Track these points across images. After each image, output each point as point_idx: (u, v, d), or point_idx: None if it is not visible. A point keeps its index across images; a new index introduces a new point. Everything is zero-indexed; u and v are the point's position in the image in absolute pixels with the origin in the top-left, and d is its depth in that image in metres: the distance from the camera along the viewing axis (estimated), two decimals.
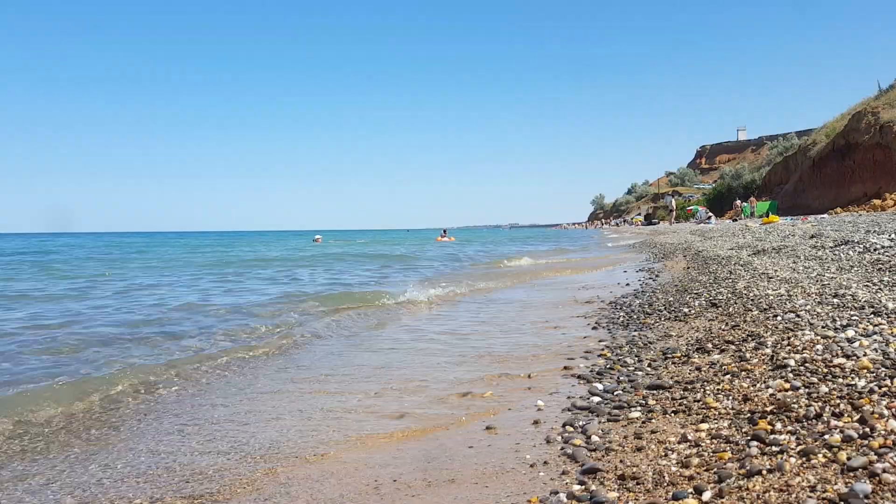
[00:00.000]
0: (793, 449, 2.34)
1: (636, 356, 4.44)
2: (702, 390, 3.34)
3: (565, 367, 4.46)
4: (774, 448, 2.38)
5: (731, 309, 5.51)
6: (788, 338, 3.93)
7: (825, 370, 3.16)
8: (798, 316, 4.58)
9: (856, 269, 6.90)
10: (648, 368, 4.06)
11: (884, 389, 2.70)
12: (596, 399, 3.55)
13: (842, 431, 2.36)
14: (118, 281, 14.01)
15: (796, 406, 2.72)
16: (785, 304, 5.18)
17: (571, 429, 3.10)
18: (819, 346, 3.58)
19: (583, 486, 2.40)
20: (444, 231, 42.82)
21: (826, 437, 2.36)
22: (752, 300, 5.69)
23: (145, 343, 6.08)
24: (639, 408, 3.26)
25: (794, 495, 2.01)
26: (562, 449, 2.85)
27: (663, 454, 2.59)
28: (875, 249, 8.19)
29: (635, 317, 6.17)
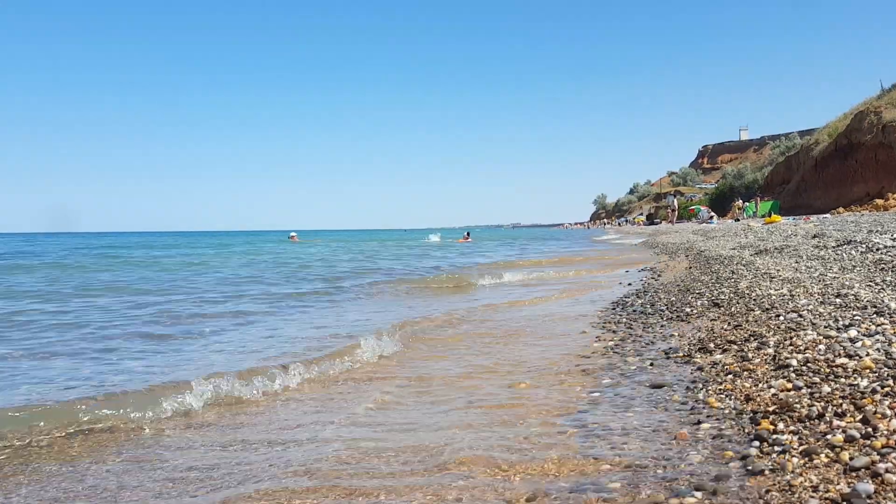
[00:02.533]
0: (795, 449, 2.34)
1: (638, 355, 4.44)
2: (704, 390, 3.35)
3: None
4: (777, 448, 2.38)
5: (733, 309, 5.50)
6: (791, 338, 3.93)
7: (827, 370, 3.15)
8: (800, 316, 4.58)
9: (858, 268, 6.88)
10: (651, 368, 4.06)
11: (886, 389, 2.70)
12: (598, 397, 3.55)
13: (844, 431, 2.36)
14: None
15: (799, 406, 2.72)
16: (787, 303, 5.17)
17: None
18: (821, 346, 3.58)
19: None
20: (468, 234, 42.69)
21: (828, 437, 2.36)
22: (754, 300, 5.68)
23: None
24: None
25: (796, 495, 2.01)
26: None
27: None
28: (878, 249, 8.18)
29: (637, 316, 6.16)
